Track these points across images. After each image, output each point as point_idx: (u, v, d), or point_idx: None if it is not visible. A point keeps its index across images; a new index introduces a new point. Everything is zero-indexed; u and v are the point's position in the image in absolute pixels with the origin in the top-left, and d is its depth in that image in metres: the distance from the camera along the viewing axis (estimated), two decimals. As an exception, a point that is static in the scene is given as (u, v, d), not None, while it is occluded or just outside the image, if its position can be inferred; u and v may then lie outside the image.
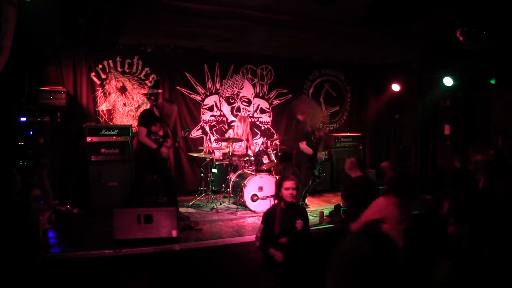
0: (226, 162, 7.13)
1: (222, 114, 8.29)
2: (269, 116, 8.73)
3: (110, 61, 7.26)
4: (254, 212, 6.51)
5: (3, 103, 4.45)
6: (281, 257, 3.48)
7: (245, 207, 6.63)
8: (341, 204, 5.60)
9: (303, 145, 6.47)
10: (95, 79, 7.17)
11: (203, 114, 8.11)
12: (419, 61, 8.09)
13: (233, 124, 8.06)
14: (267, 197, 6.62)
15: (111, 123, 7.19)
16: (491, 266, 4.06)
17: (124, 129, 6.86)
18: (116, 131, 6.76)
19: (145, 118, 5.96)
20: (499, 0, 4.98)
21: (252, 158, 7.00)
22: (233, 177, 6.87)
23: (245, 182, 6.51)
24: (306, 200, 7.06)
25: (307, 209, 6.46)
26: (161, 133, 5.97)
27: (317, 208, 6.82)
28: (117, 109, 7.35)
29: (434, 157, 9.30)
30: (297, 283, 2.41)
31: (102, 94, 7.23)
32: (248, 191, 6.50)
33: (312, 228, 5.70)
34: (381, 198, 3.92)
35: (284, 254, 2.56)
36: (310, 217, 6.31)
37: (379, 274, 1.29)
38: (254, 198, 6.54)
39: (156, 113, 5.97)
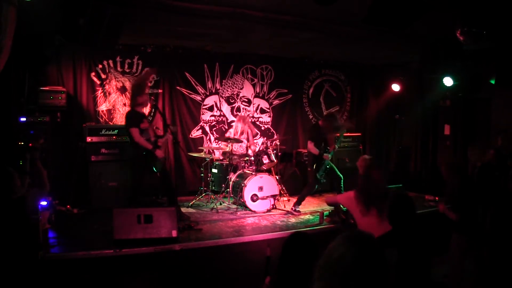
0: (226, 162, 7.13)
1: (222, 114, 8.29)
2: (269, 116, 8.73)
3: (110, 61, 7.26)
4: (254, 212, 6.51)
5: (3, 103, 4.45)
6: None
7: (245, 207, 6.63)
8: (341, 205, 5.59)
9: (310, 145, 6.43)
10: (95, 79, 7.17)
11: (203, 114, 8.11)
12: (419, 61, 8.09)
13: (233, 124, 8.07)
14: (267, 197, 6.62)
15: (111, 123, 7.19)
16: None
17: (124, 129, 6.83)
18: (116, 131, 6.75)
19: (132, 118, 5.75)
20: (499, 0, 4.99)
21: (252, 158, 7.00)
22: (233, 177, 6.87)
23: (245, 182, 6.51)
24: (301, 205, 6.68)
25: (300, 214, 6.48)
26: (151, 132, 5.89)
27: (317, 208, 6.82)
28: (117, 109, 7.34)
29: (434, 157, 9.31)
30: (293, 282, 2.41)
31: (102, 94, 7.23)
32: (248, 191, 6.50)
33: (312, 228, 5.72)
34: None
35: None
36: (310, 217, 6.36)
37: (363, 280, 1.25)
38: (254, 198, 6.54)
39: (141, 110, 5.85)
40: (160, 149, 5.85)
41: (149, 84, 6.76)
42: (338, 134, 6.65)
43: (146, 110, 7.54)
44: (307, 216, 6.41)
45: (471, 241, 4.26)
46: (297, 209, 6.54)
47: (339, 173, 6.45)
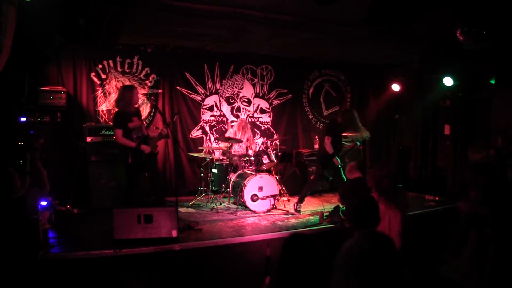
0: (226, 162, 7.13)
1: (222, 114, 8.29)
2: (269, 116, 8.73)
3: (110, 61, 7.26)
4: (254, 212, 6.51)
5: (3, 103, 4.45)
6: None
7: (245, 207, 6.63)
8: (340, 205, 5.60)
9: (327, 140, 6.36)
10: (95, 79, 7.17)
11: (203, 114, 8.11)
12: (419, 61, 8.10)
13: (233, 124, 8.07)
14: (267, 197, 6.62)
15: (111, 123, 7.17)
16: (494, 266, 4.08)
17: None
18: (116, 131, 6.74)
19: (118, 119, 5.68)
20: (499, 0, 4.99)
21: (252, 158, 7.00)
22: (233, 177, 6.87)
23: (245, 182, 6.51)
24: (303, 203, 6.66)
25: (299, 215, 6.45)
26: (151, 129, 5.81)
27: (317, 208, 6.82)
28: (117, 109, 7.34)
29: (434, 157, 9.31)
30: (293, 282, 2.41)
31: (102, 94, 7.23)
32: (248, 191, 6.50)
33: (311, 228, 5.72)
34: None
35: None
36: (310, 218, 6.36)
37: (379, 270, 1.30)
38: (254, 198, 6.54)
39: (130, 110, 5.73)
40: (148, 144, 5.71)
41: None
42: (353, 134, 6.62)
43: (146, 110, 7.56)
44: (307, 217, 6.41)
45: (483, 238, 4.25)
46: (298, 208, 6.53)
47: (344, 176, 6.43)
